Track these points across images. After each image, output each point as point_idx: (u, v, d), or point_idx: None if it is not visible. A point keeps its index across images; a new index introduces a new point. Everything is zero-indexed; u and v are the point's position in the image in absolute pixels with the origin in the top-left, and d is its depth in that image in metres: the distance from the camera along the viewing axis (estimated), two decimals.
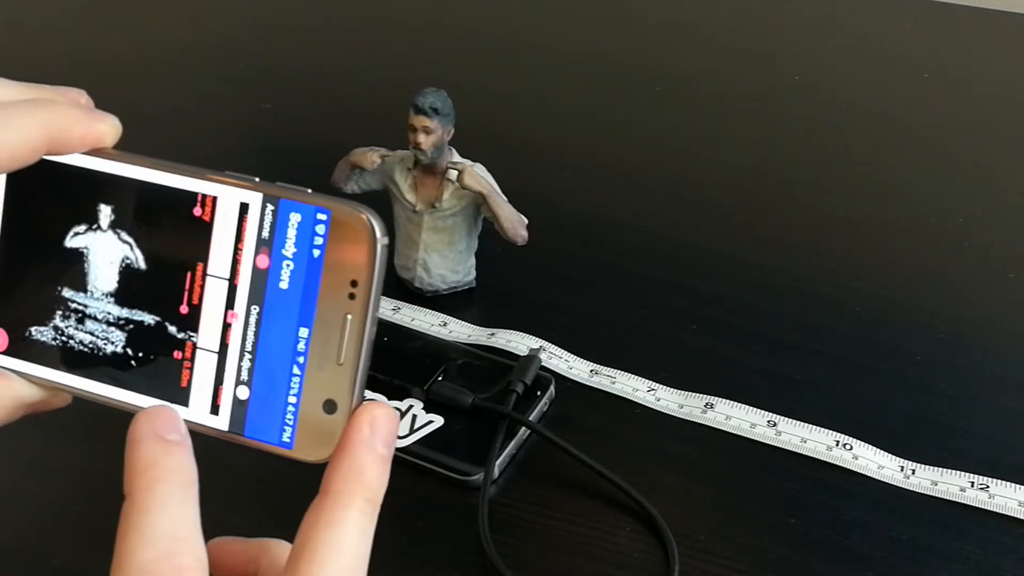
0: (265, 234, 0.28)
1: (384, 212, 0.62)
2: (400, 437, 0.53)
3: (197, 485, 0.27)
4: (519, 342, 0.61)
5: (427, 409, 0.55)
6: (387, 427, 0.28)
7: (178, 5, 1.07)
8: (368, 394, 0.56)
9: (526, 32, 1.01)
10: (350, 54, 0.97)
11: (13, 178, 0.29)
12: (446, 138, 0.60)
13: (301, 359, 0.28)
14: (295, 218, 0.28)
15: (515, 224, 0.60)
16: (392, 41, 0.99)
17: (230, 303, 0.28)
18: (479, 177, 0.60)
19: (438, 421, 0.54)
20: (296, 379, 0.28)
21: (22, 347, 0.31)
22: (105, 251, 0.30)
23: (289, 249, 0.28)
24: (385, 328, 0.61)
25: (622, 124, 0.85)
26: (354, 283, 0.27)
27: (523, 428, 0.54)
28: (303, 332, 0.28)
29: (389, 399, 0.56)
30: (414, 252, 0.63)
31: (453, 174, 0.60)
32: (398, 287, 0.65)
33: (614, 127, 0.85)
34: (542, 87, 0.91)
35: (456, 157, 0.62)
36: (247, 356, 0.28)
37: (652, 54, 0.97)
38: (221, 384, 0.29)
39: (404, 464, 0.53)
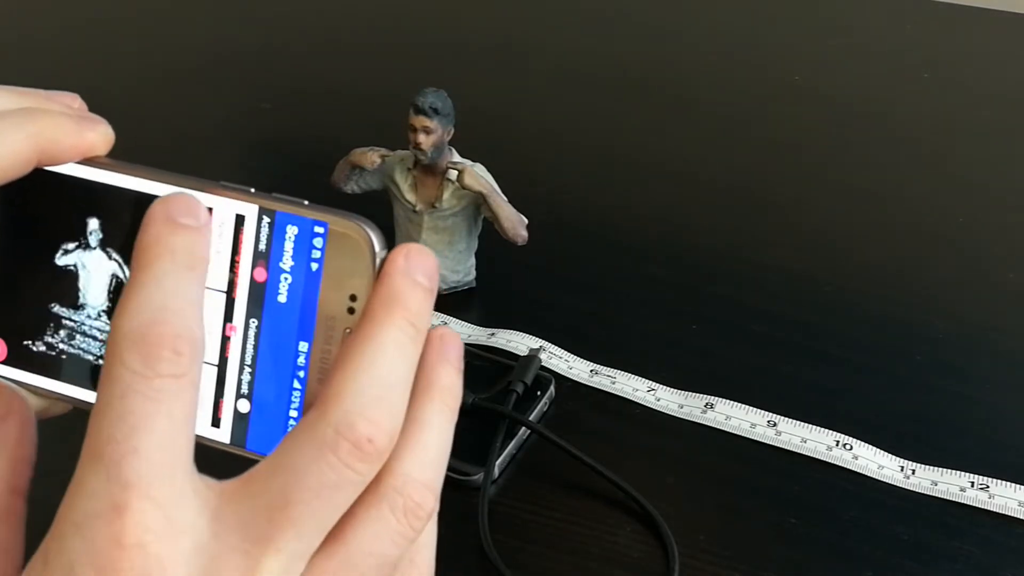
0: (262, 247, 0.28)
1: (384, 212, 0.63)
2: None
3: (204, 271, 0.26)
4: (519, 342, 0.61)
5: None
6: (423, 260, 0.26)
7: (177, 5, 1.07)
8: None
9: (526, 32, 1.01)
10: (350, 54, 0.97)
11: (6, 188, 0.29)
12: (446, 138, 0.60)
13: (301, 373, 0.28)
14: (292, 231, 0.27)
15: (515, 224, 0.60)
16: (392, 41, 0.99)
17: (228, 316, 0.28)
18: (479, 177, 0.60)
19: None
20: (297, 393, 0.28)
21: (21, 357, 0.30)
22: (100, 262, 0.29)
23: (287, 262, 0.27)
24: None
25: (622, 124, 0.85)
26: (353, 297, 0.27)
27: (523, 428, 0.54)
28: (303, 346, 0.27)
29: None
30: None
31: (453, 174, 0.60)
32: None
33: (614, 127, 0.85)
34: (542, 87, 0.91)
35: (456, 157, 0.62)
36: (247, 369, 0.28)
37: (652, 54, 0.97)
38: (222, 397, 0.28)
39: None
